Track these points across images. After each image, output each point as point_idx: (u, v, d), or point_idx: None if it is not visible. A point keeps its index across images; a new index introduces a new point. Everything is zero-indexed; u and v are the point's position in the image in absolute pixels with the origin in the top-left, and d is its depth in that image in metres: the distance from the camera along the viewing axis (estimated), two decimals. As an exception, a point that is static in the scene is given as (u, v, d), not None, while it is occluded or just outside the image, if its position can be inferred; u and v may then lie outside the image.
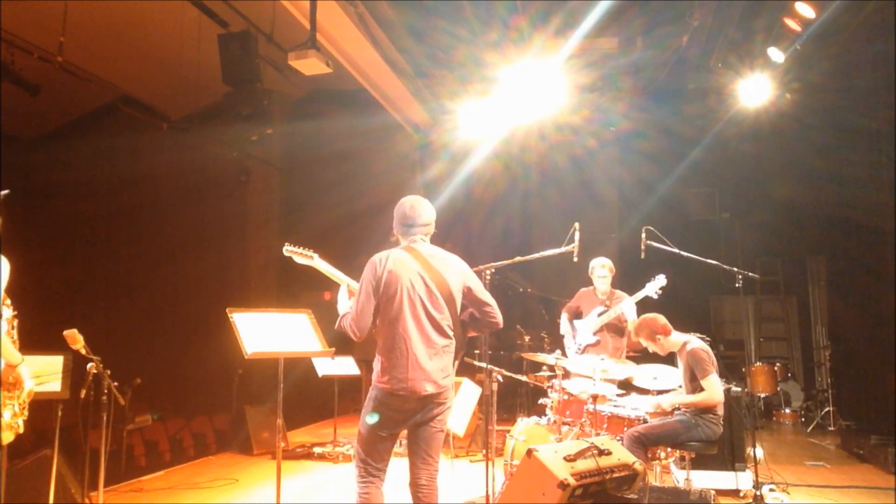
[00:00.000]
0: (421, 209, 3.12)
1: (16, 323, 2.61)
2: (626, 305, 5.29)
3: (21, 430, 2.53)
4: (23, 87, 6.33)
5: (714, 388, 4.12)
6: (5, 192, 2.56)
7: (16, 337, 2.59)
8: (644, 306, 4.98)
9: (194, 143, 8.03)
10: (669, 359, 4.62)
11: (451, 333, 3.01)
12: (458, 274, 3.07)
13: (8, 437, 2.44)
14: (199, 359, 8.02)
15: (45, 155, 9.01)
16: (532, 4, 6.63)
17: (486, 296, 3.11)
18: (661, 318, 4.38)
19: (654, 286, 5.22)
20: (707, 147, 8.82)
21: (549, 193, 10.18)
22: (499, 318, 3.10)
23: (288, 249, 3.53)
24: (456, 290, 3.03)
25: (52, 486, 3.82)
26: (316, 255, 3.54)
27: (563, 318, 5.69)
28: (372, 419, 2.94)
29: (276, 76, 7.13)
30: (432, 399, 2.93)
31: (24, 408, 2.54)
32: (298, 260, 3.54)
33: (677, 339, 4.36)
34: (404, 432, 3.07)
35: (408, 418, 2.93)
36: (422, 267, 2.99)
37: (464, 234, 9.93)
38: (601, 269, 5.45)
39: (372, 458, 2.95)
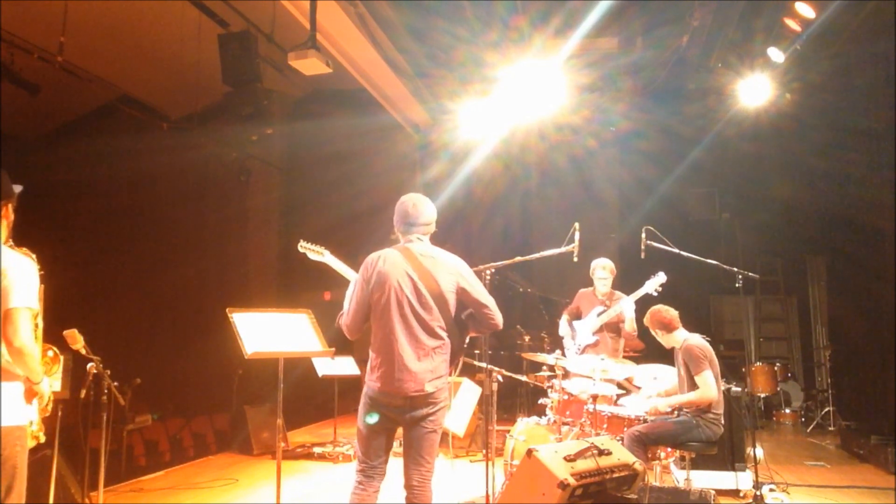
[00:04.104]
0: (422, 208, 3.10)
1: (39, 321, 2.61)
2: (625, 304, 5.29)
3: (42, 440, 2.61)
4: (23, 87, 6.33)
5: (707, 385, 4.10)
6: (19, 187, 2.57)
7: (40, 334, 2.62)
8: (645, 305, 4.98)
9: (194, 143, 8.03)
10: (669, 359, 4.62)
11: (442, 334, 2.96)
12: (451, 274, 3.00)
13: (30, 444, 2.53)
14: (199, 359, 8.02)
15: (45, 155, 9.01)
16: (532, 4, 6.63)
17: (483, 297, 3.03)
18: (669, 313, 4.37)
19: (654, 283, 5.20)
20: (707, 147, 8.81)
21: (549, 193, 10.19)
22: (498, 319, 3.03)
23: (302, 246, 3.61)
24: (447, 290, 2.97)
25: (52, 486, 3.81)
26: (327, 252, 3.61)
27: (563, 320, 5.70)
28: (364, 416, 2.98)
29: (276, 76, 7.13)
30: (422, 399, 2.90)
31: (44, 415, 2.62)
32: (312, 256, 3.61)
33: (679, 336, 4.36)
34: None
35: (398, 416, 2.93)
36: (411, 267, 2.96)
37: (464, 234, 9.92)
38: (602, 272, 5.44)
39: (367, 455, 2.98)
